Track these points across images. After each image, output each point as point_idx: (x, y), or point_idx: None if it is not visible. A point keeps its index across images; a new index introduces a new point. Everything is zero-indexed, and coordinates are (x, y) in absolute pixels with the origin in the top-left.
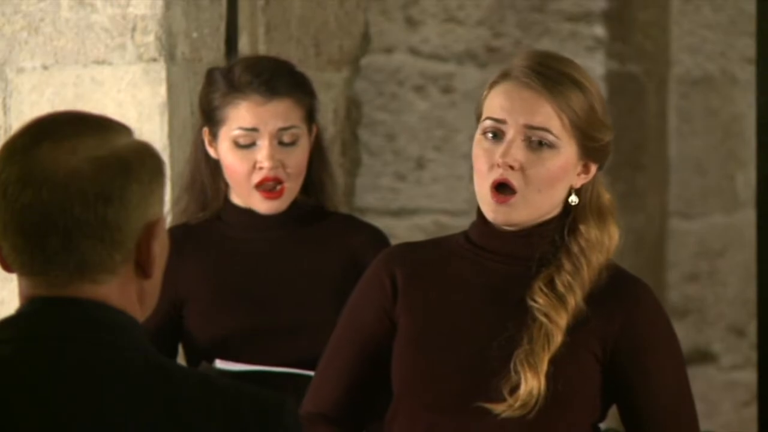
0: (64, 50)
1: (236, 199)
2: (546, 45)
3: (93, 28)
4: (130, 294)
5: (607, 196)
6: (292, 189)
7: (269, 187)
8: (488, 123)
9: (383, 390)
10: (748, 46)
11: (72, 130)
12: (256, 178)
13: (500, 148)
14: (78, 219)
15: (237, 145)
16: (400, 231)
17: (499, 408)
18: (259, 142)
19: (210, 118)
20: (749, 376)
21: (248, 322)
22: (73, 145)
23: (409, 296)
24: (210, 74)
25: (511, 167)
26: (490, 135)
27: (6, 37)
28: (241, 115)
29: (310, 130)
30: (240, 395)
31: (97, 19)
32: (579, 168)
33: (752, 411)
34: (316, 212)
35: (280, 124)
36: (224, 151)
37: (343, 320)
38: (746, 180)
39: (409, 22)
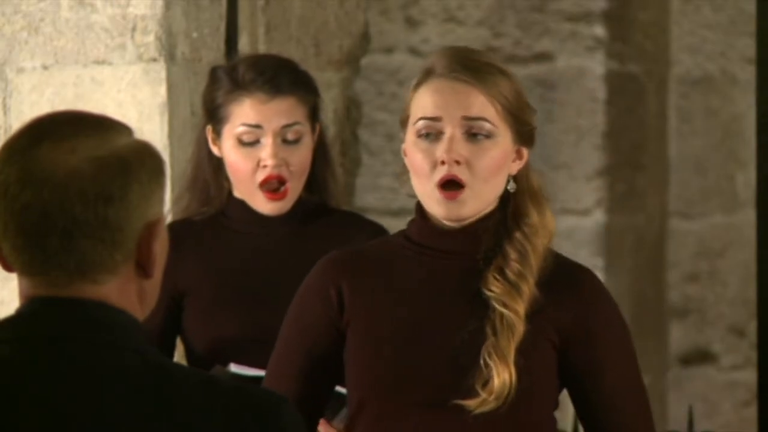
0: (64, 50)
1: (239, 195)
2: (546, 45)
3: (93, 28)
4: (130, 294)
5: (537, 179)
6: (295, 188)
7: (273, 187)
8: (422, 123)
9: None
10: (748, 46)
11: (72, 129)
12: (260, 176)
13: (440, 146)
14: (78, 219)
15: (240, 142)
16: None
17: (473, 403)
18: (262, 140)
19: (213, 115)
20: (749, 376)
21: (249, 319)
22: (73, 145)
23: (358, 304)
24: (213, 72)
25: (457, 162)
26: (425, 135)
27: (6, 37)
28: (245, 112)
29: (313, 128)
30: (240, 395)
31: (97, 19)
32: (514, 155)
33: (752, 411)
34: (319, 209)
35: (284, 122)
36: (228, 149)
37: (287, 328)
38: (746, 180)
39: (409, 22)
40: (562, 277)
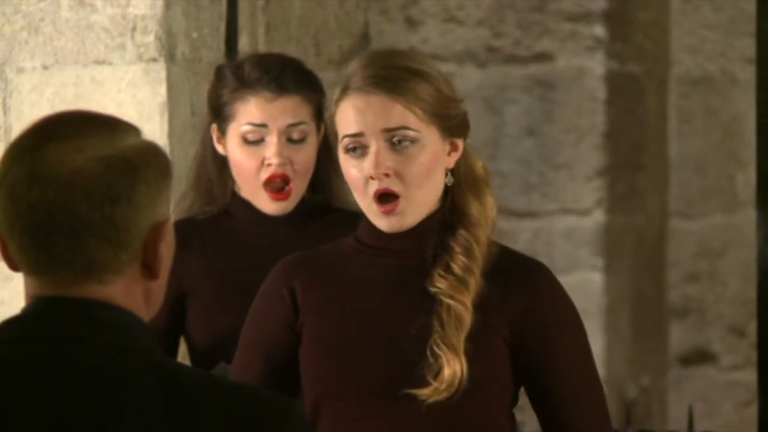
0: (64, 50)
1: (244, 194)
2: (546, 45)
3: (93, 28)
4: (136, 294)
5: (479, 164)
6: (299, 188)
7: (277, 186)
8: (347, 141)
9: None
10: (748, 46)
11: (78, 129)
12: (264, 175)
13: (368, 161)
14: (84, 219)
15: (245, 141)
16: None
17: (425, 393)
18: (267, 139)
19: (218, 114)
20: (749, 376)
21: None
22: (80, 145)
23: (311, 304)
24: (219, 70)
25: (386, 175)
26: (351, 151)
27: (6, 37)
28: (250, 111)
29: (318, 128)
30: (243, 395)
31: (97, 19)
32: (447, 148)
33: (752, 411)
34: (323, 209)
35: (289, 121)
36: (232, 148)
37: (246, 333)
38: (746, 180)
39: (409, 22)
40: (513, 270)
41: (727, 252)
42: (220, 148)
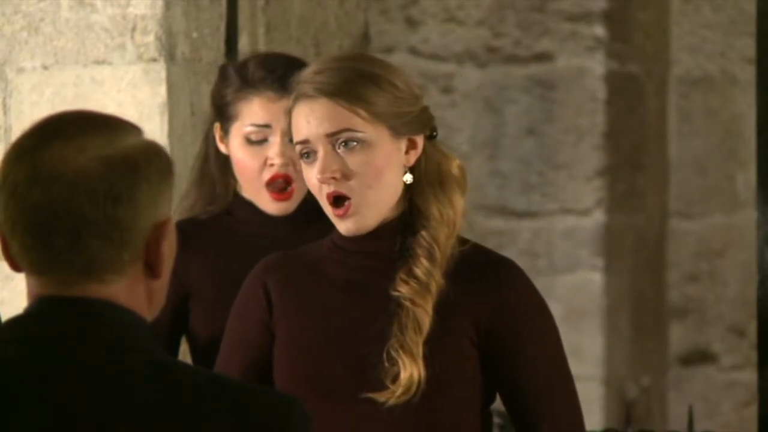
0: (64, 50)
1: (246, 194)
2: (546, 45)
3: (93, 28)
4: (138, 294)
5: (454, 163)
6: (301, 188)
7: (279, 186)
8: (299, 148)
9: None
10: (748, 46)
11: (81, 129)
12: (267, 175)
13: (316, 167)
14: (87, 218)
15: (249, 141)
16: None
17: (383, 396)
18: (270, 139)
19: (222, 113)
20: (749, 376)
21: None
22: (82, 145)
23: (282, 303)
24: (223, 69)
25: (334, 178)
26: (305, 157)
27: (6, 37)
28: (254, 111)
29: None
30: (247, 395)
31: (97, 19)
32: (404, 146)
33: (752, 411)
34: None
35: None
36: (235, 147)
37: (227, 333)
38: (746, 180)
39: (409, 22)
40: (480, 269)
41: (727, 252)
42: (222, 148)
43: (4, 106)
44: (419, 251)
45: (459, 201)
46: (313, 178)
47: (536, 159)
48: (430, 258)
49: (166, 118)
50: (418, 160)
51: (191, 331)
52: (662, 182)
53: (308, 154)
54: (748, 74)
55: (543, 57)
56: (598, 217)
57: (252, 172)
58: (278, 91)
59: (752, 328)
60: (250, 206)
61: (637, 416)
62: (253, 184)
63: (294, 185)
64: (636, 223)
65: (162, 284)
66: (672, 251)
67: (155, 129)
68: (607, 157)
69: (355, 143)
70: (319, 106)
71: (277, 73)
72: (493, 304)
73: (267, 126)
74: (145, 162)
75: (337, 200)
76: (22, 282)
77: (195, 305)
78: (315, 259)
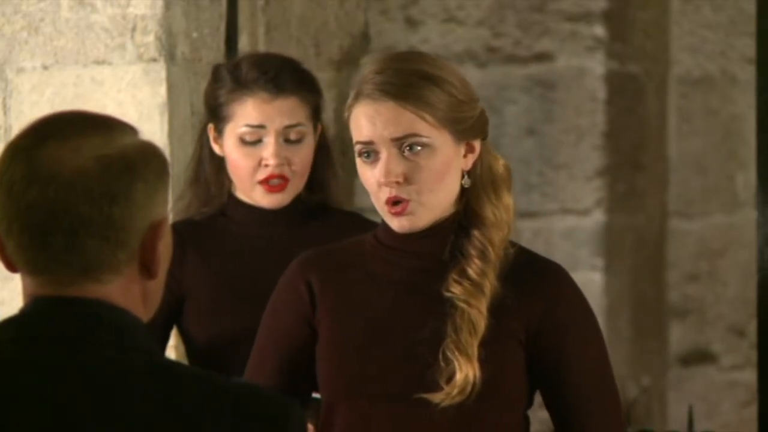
0: (64, 50)
1: (240, 194)
2: (546, 45)
3: (93, 28)
4: (134, 294)
5: (500, 163)
6: (295, 185)
7: (273, 181)
8: (359, 147)
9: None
10: (748, 46)
11: (77, 129)
12: (261, 175)
13: (378, 169)
14: (83, 218)
15: (243, 142)
16: None
17: (438, 397)
18: (264, 139)
19: (216, 114)
20: (749, 376)
21: (250, 319)
22: (79, 144)
23: (327, 300)
24: (216, 70)
25: (397, 183)
26: (364, 156)
27: (6, 37)
28: (248, 112)
29: (315, 128)
30: (244, 395)
31: (97, 19)
32: (463, 150)
33: (752, 411)
34: (320, 210)
35: (287, 122)
36: (229, 148)
37: (263, 329)
38: (746, 180)
39: (409, 22)
40: (530, 271)
41: (727, 252)
42: (216, 148)
43: (4, 106)
44: (472, 251)
45: (510, 202)
46: (372, 178)
47: (536, 159)
48: (483, 258)
49: (166, 118)
50: (475, 164)
51: (188, 333)
52: (662, 182)
53: (368, 154)
54: (748, 74)
55: (543, 57)
56: (598, 217)
57: (246, 172)
58: (272, 92)
59: (752, 328)
60: (244, 207)
61: (637, 416)
62: (246, 183)
63: (288, 180)
64: (636, 223)
65: (158, 285)
66: (672, 251)
67: (155, 129)
68: (607, 157)
69: (419, 147)
70: (385, 108)
71: (271, 74)
72: (543, 307)
73: (261, 127)
74: (141, 162)
75: (396, 201)
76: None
77: (191, 306)
78: (356, 257)
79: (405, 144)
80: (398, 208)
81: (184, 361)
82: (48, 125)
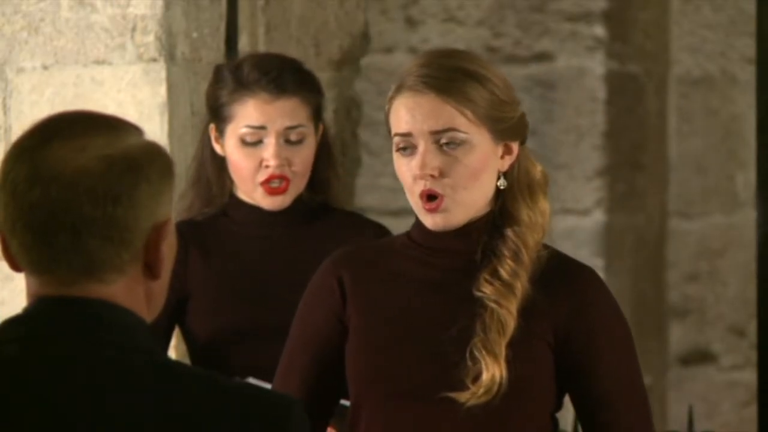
0: (64, 50)
1: (242, 195)
2: (546, 45)
3: (93, 28)
4: (137, 294)
5: (537, 169)
6: (296, 186)
7: (274, 184)
8: (397, 139)
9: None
10: (748, 46)
11: (81, 129)
12: (262, 176)
13: (415, 161)
14: (86, 218)
15: (244, 142)
16: (400, 231)
17: (463, 397)
18: (265, 140)
19: (217, 114)
20: (749, 376)
21: (251, 319)
22: (83, 144)
23: (358, 297)
24: (218, 70)
25: (432, 176)
26: (402, 150)
27: (6, 37)
28: (249, 113)
29: (316, 129)
30: (247, 396)
31: (97, 19)
32: (500, 151)
33: (752, 411)
34: (321, 210)
35: (288, 123)
36: (231, 148)
37: (295, 328)
38: (746, 180)
39: (409, 22)
40: (560, 274)
41: (727, 252)
42: (218, 149)
43: (4, 106)
44: (506, 252)
45: (546, 207)
46: (408, 172)
47: (536, 159)
48: (516, 259)
49: (166, 118)
50: (512, 166)
51: (190, 333)
52: (662, 182)
53: (406, 148)
54: (748, 74)
55: (543, 57)
56: (598, 217)
57: (247, 172)
58: (273, 93)
59: (752, 328)
60: (246, 207)
61: None
62: (247, 183)
63: (289, 181)
64: (636, 223)
65: (161, 285)
66: (672, 251)
67: (155, 129)
68: (607, 157)
69: (456, 143)
70: (427, 101)
71: (272, 75)
72: (572, 309)
73: (262, 127)
74: (145, 162)
75: (431, 197)
76: (23, 282)
77: (192, 306)
78: (388, 254)
79: (443, 138)
80: (433, 204)
81: (185, 360)
82: (52, 125)
